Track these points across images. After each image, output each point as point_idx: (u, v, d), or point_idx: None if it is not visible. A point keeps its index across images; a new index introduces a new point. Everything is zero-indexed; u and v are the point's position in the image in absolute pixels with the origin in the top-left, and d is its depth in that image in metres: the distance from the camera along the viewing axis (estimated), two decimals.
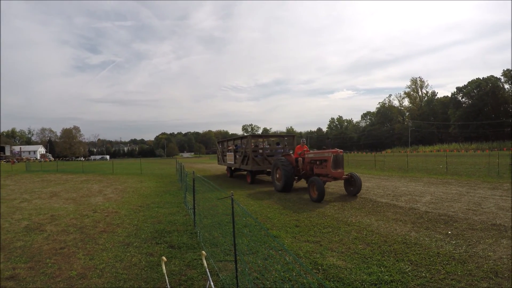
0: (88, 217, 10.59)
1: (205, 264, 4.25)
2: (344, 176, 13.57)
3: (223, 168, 33.86)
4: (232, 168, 25.31)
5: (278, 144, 23.83)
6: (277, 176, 16.02)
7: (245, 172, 24.07)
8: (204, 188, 9.63)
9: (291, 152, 17.42)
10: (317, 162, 14.38)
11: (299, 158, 15.82)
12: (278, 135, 27.25)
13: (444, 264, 5.85)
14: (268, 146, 22.93)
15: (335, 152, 13.28)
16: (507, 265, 5.67)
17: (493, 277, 5.24)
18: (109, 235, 8.29)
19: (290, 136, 24.06)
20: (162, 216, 10.48)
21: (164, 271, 3.96)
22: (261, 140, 24.78)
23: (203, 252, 4.45)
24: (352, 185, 13.59)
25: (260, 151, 20.75)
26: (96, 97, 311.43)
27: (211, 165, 48.79)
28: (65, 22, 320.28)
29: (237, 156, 22.66)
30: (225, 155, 26.46)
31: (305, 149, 16.37)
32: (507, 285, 4.95)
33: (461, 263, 5.84)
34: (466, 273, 5.41)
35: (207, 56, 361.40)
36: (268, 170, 20.59)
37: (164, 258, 4.09)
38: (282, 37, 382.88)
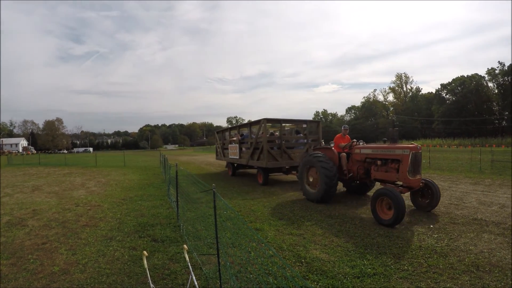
0: (71, 211, 10.45)
1: (187, 258, 4.23)
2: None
3: (215, 163, 33.30)
4: (235, 164, 20.13)
5: (298, 132, 18.36)
6: (311, 179, 11.37)
7: (253, 170, 21.15)
8: (188, 181, 9.59)
9: (331, 144, 12.23)
10: (378, 162, 9.84)
11: (343, 154, 11.20)
12: (299, 120, 18.63)
13: (426, 257, 5.93)
14: (284, 134, 17.66)
15: (414, 149, 8.77)
16: (488, 259, 5.78)
17: (474, 270, 5.33)
18: (92, 229, 8.19)
19: (314, 122, 18.78)
20: (145, 209, 10.40)
21: (146, 265, 3.92)
22: (276, 127, 19.47)
23: (185, 246, 4.42)
24: (426, 197, 9.57)
25: (277, 141, 15.70)
26: (80, 88, 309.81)
27: (196, 157, 48.83)
28: (49, 12, 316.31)
29: (244, 149, 18.13)
30: (226, 148, 21.36)
31: (354, 142, 11.33)
32: (488, 278, 5.04)
33: (442, 257, 5.93)
34: (447, 266, 5.50)
35: (193, 47, 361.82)
36: (287, 167, 16.06)
37: (145, 252, 4.05)
38: (268, 30, 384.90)
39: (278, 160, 15.19)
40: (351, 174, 10.97)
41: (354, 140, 11.53)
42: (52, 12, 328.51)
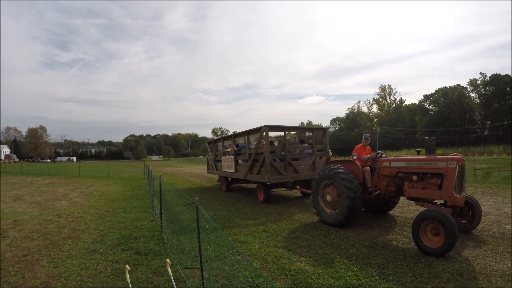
0: (53, 222, 10.27)
1: (170, 273, 4.19)
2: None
3: (200, 175, 33.08)
4: (229, 178, 18.02)
5: (302, 141, 15.81)
6: (328, 198, 9.45)
7: (249, 184, 19.32)
8: (172, 193, 9.52)
9: (354, 156, 10.03)
10: (414, 177, 8.14)
11: (367, 167, 9.47)
12: (304, 128, 17.87)
13: (411, 267, 5.97)
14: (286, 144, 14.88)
15: (460, 161, 7.35)
16: (472, 267, 5.87)
17: (459, 278, 5.40)
18: (74, 241, 8.05)
19: (320, 129, 16.36)
20: (128, 221, 10.27)
21: (128, 280, 3.87)
22: (277, 135, 18.55)
23: (168, 260, 4.38)
24: (466, 215, 8.18)
25: (282, 152, 13.73)
26: (64, 96, 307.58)
27: (180, 169, 48.51)
28: (36, 17, 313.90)
29: (240, 162, 16.03)
30: (219, 160, 18.93)
31: (379, 153, 9.79)
32: (472, 286, 5.11)
33: (427, 266, 5.98)
34: (432, 275, 5.54)
35: (179, 57, 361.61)
36: (291, 181, 13.72)
37: (127, 266, 4.00)
38: (254, 42, 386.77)
39: (282, 174, 13.11)
40: (377, 192, 9.18)
41: (379, 151, 10.07)
42: (39, 17, 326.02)
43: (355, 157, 9.90)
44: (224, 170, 17.87)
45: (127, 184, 23.33)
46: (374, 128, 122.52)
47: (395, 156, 9.83)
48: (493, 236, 7.69)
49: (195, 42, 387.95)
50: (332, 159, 14.92)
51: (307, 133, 16.68)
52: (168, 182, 9.11)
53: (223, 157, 18.00)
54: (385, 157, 9.44)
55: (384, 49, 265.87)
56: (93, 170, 46.22)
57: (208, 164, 22.72)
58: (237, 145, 16.95)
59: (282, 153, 13.65)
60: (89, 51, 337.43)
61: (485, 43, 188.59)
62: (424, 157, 8.11)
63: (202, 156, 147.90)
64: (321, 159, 14.52)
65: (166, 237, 7.96)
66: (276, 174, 12.95)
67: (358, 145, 10.59)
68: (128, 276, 3.91)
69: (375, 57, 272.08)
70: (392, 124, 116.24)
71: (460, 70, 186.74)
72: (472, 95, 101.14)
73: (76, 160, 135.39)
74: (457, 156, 7.45)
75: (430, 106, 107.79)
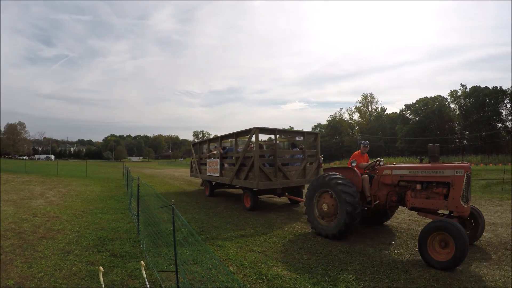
0: (28, 221, 10.09)
1: (144, 275, 4.16)
2: None
3: (179, 177, 32.94)
4: (214, 183, 17.15)
5: (293, 146, 15.07)
6: (324, 208, 8.80)
7: (234, 189, 18.38)
8: (150, 195, 9.45)
9: (353, 163, 9.33)
10: (418, 186, 7.71)
11: (365, 175, 8.95)
12: (295, 131, 17.16)
13: (387, 272, 6.06)
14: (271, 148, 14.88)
15: (467, 169, 7.01)
16: (448, 273, 5.99)
17: (435, 284, 5.51)
18: (49, 241, 7.92)
19: (311, 133, 15.24)
20: (105, 222, 10.15)
21: (102, 281, 3.83)
22: (267, 139, 17.92)
23: (142, 262, 4.35)
24: (469, 225, 7.90)
25: (270, 157, 12.86)
26: (45, 93, 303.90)
27: (160, 171, 48.18)
28: (21, 10, 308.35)
29: (226, 165, 15.36)
30: (204, 164, 17.94)
31: (379, 160, 9.43)
32: None
33: (403, 272, 6.08)
34: (408, 281, 5.64)
35: (163, 58, 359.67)
36: (281, 187, 12.98)
37: (101, 268, 3.96)
38: (239, 46, 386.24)
39: (272, 180, 12.30)
40: (377, 202, 8.62)
41: (379, 158, 9.62)
42: (24, 10, 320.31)
43: (354, 164, 9.24)
44: (208, 174, 16.89)
45: (105, 185, 22.99)
46: (355, 136, 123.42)
47: (397, 163, 9.28)
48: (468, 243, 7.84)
49: (180, 44, 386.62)
50: (323, 165, 14.49)
51: (297, 137, 15.71)
52: (146, 184, 9.02)
53: (207, 160, 17.11)
54: (383, 165, 9.08)
55: (368, 59, 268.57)
56: (72, 169, 45.54)
57: (191, 167, 21.57)
58: (223, 148, 16.00)
59: (271, 157, 12.81)
60: (73, 48, 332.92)
61: (466, 56, 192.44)
62: (429, 165, 7.69)
63: (182, 159, 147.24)
64: (311, 165, 14.02)
65: (142, 239, 7.90)
66: (265, 179, 12.17)
67: (356, 152, 10.18)
68: (101, 277, 3.87)
69: (359, 66, 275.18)
70: (373, 132, 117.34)
71: (441, 81, 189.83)
72: (452, 106, 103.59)
73: (55, 159, 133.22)
74: (465, 164, 7.13)
75: (411, 116, 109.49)
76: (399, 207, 9.19)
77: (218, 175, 15.49)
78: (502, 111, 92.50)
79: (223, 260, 6.74)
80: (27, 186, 20.53)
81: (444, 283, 5.56)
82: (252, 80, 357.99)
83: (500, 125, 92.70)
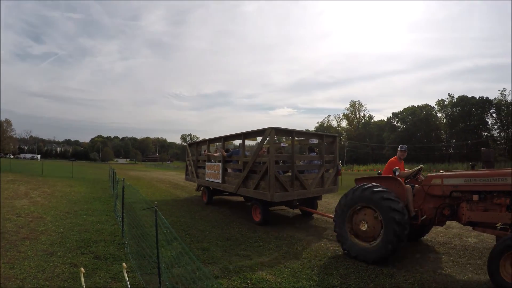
0: (11, 221, 9.98)
1: (126, 277, 4.16)
2: None
3: (166, 180, 32.86)
4: (211, 188, 15.11)
5: (311, 150, 12.93)
6: (363, 227, 7.36)
7: (236, 197, 16.35)
8: (136, 197, 9.42)
9: (396, 172, 7.83)
10: (475, 197, 6.53)
11: (408, 186, 7.67)
12: (312, 133, 14.74)
13: (372, 277, 6.12)
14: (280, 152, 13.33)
15: None
16: (433, 277, 6.10)
17: None
18: (32, 242, 7.85)
19: (329, 136, 13.05)
20: (89, 224, 10.08)
21: (83, 283, 3.82)
22: (284, 141, 15.88)
23: (124, 264, 4.35)
24: None
25: (283, 163, 11.43)
26: (33, 90, 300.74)
27: (147, 173, 47.95)
28: (13, 4, 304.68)
29: (230, 171, 13.21)
30: (202, 167, 16.13)
31: (421, 167, 8.35)
32: None
33: (389, 276, 6.14)
34: (394, 286, 5.71)
35: (153, 60, 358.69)
36: (299, 198, 11.32)
37: (82, 269, 3.95)
38: (229, 51, 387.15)
39: (288, 191, 10.36)
40: (424, 217, 7.25)
41: (421, 165, 8.60)
42: (16, 5, 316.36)
43: (397, 173, 7.76)
44: (207, 179, 14.81)
45: (91, 186, 22.79)
46: (342, 142, 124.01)
47: (446, 171, 7.91)
48: (455, 248, 8.03)
49: (171, 46, 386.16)
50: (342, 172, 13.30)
51: (311, 140, 13.61)
52: (131, 186, 8.99)
53: (207, 163, 15.06)
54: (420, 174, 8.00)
55: (357, 67, 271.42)
56: (57, 169, 44.95)
57: (187, 170, 19.23)
58: (227, 150, 13.81)
59: (286, 164, 11.18)
60: (63, 46, 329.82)
61: (453, 67, 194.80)
62: (489, 172, 6.54)
63: (170, 162, 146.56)
64: (328, 172, 12.22)
65: (127, 241, 7.87)
66: (280, 190, 10.21)
67: (393, 158, 8.93)
68: (82, 279, 3.86)
69: (348, 73, 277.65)
70: (361, 139, 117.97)
71: (428, 91, 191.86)
72: (439, 114, 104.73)
73: (40, 158, 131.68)
74: None
75: (398, 123, 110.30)
76: None
77: (219, 181, 13.43)
78: (488, 120, 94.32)
79: (208, 263, 6.76)
80: (12, 186, 20.24)
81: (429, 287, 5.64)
82: (241, 85, 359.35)
83: (486, 133, 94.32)
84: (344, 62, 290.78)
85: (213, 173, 14.14)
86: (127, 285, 4.71)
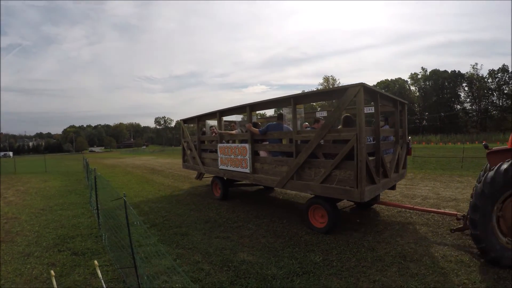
0: None
1: (100, 275, 4.04)
2: None
3: (141, 166, 32.29)
4: (226, 177, 11.33)
5: (386, 119, 9.49)
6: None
7: (253, 187, 12.89)
8: (109, 186, 9.19)
9: None
10: None
11: None
12: (395, 98, 8.78)
13: (354, 251, 6.14)
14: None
15: None
16: (414, 249, 6.12)
17: (402, 261, 5.61)
18: (8, 245, 7.54)
19: (402, 102, 9.34)
20: (65, 219, 9.79)
21: (55, 286, 3.68)
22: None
23: (96, 262, 4.21)
24: None
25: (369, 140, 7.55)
26: None
27: (122, 160, 47.44)
28: None
29: (265, 155, 9.43)
30: (210, 150, 12.27)
31: None
32: (415, 268, 5.32)
33: (370, 250, 6.17)
34: (375, 259, 5.73)
35: (121, 44, 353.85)
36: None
37: (52, 272, 3.80)
38: (199, 30, 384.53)
39: (376, 182, 7.01)
40: None
41: None
42: None
43: None
44: (221, 167, 10.89)
45: (65, 179, 22.26)
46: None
47: None
48: (433, 219, 8.04)
49: (138, 28, 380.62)
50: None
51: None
52: (101, 176, 8.77)
53: (219, 145, 10.95)
54: None
55: (328, 42, 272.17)
56: (30, 165, 43.89)
57: (184, 155, 14.90)
58: (255, 125, 9.74)
59: (373, 141, 7.51)
60: (27, 36, 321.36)
61: (426, 41, 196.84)
62: None
63: (145, 147, 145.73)
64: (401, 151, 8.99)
65: (104, 234, 7.66)
66: (369, 182, 6.80)
67: None
68: (54, 282, 3.71)
69: (320, 49, 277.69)
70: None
71: (401, 65, 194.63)
72: (413, 88, 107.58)
73: (13, 155, 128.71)
74: None
75: None
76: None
77: (247, 170, 9.53)
78: (460, 93, 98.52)
79: (188, 249, 6.67)
80: None
81: (411, 259, 5.66)
82: (213, 64, 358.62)
83: (458, 106, 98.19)
84: (315, 38, 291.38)
85: (233, 158, 10.23)
86: (101, 284, 4.56)
